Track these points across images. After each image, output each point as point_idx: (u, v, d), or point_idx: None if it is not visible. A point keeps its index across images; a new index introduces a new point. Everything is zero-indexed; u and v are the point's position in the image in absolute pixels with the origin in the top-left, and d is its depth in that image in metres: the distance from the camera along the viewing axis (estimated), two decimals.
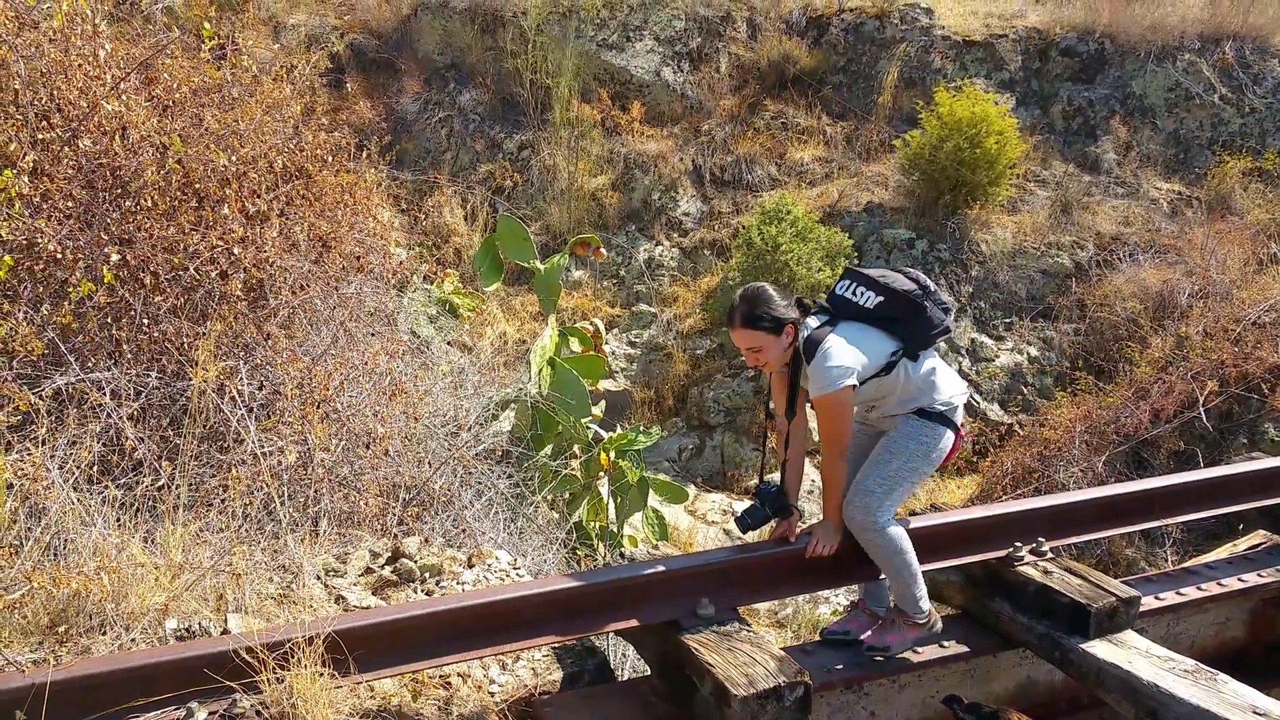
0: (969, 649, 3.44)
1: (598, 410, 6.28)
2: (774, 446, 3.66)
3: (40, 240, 4.37)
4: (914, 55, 12.38)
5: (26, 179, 4.53)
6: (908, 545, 3.24)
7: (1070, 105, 12.18)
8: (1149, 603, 3.67)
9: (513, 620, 2.95)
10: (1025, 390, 9.51)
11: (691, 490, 8.22)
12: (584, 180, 11.34)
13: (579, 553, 5.52)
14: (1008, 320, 9.99)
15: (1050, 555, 3.57)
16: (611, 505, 5.94)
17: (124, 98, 5.06)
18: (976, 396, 9.43)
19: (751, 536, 3.53)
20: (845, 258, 9.51)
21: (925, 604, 3.31)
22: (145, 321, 4.46)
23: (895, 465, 3.19)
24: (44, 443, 3.79)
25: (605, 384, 8.30)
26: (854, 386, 3.07)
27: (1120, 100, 12.03)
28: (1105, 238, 10.43)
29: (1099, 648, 3.17)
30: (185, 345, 4.42)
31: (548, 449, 5.94)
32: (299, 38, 11.53)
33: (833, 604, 6.40)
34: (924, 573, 3.60)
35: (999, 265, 10.22)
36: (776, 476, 3.49)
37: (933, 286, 3.31)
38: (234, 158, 5.12)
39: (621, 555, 5.72)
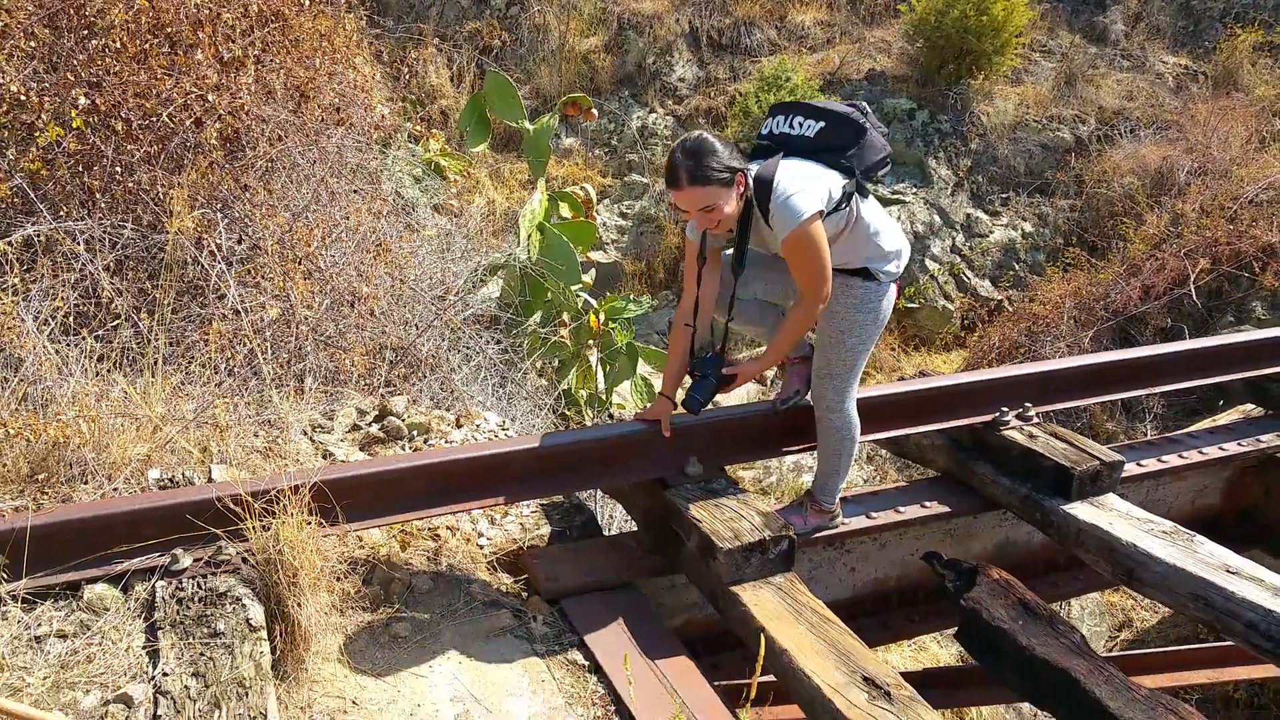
0: (950, 510, 3.48)
1: (588, 278, 6.19)
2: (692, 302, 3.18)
3: (3, 80, 4.16)
4: None
5: None
6: (857, 434, 3.19)
7: None
8: (1130, 469, 3.70)
9: (501, 476, 2.94)
10: (1017, 266, 9.45)
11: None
12: (575, 41, 10.89)
13: (568, 418, 5.53)
14: (1004, 195, 9.83)
15: (1036, 420, 3.57)
16: (600, 373, 5.92)
17: None
18: (968, 272, 9.37)
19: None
20: None
21: (838, 496, 3.31)
22: (118, 170, 4.29)
23: (851, 342, 3.02)
24: (16, 292, 3.69)
25: (595, 254, 8.19)
26: (822, 214, 2.74)
27: None
28: (1108, 112, 10.17)
29: (1080, 509, 3.21)
30: (161, 195, 4.26)
31: (537, 316, 5.88)
32: None
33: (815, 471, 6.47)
34: (910, 436, 3.62)
35: (999, 138, 9.98)
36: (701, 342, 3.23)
37: (869, 112, 2.98)
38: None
39: (610, 418, 5.73)
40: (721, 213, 2.72)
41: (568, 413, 5.58)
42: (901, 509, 3.41)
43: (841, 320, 3.01)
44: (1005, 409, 3.53)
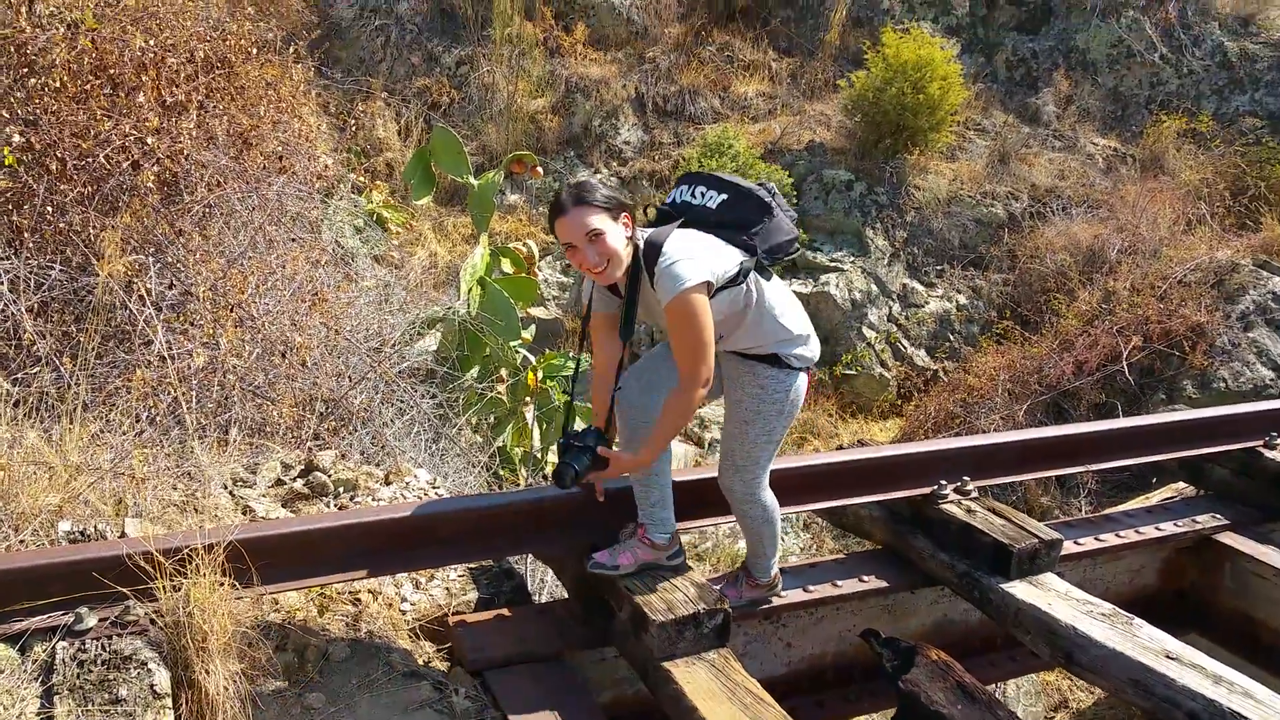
0: (888, 584, 3.47)
1: (527, 334, 6.15)
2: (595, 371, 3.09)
3: None
4: None
5: None
6: (778, 515, 3.06)
7: (1014, 55, 12.20)
8: (1068, 547, 3.73)
9: (427, 538, 2.85)
10: (953, 338, 9.65)
11: None
12: (523, 101, 11.00)
13: (502, 476, 5.43)
14: (939, 267, 10.08)
15: (975, 495, 3.59)
16: (537, 431, 5.85)
17: None
18: (904, 342, 9.54)
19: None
20: (785, 196, 9.44)
21: (775, 568, 3.21)
22: (49, 210, 4.17)
23: (754, 433, 2.84)
24: None
25: (536, 310, 8.15)
26: (709, 287, 2.59)
27: (1064, 53, 12.09)
28: (1040, 190, 10.55)
29: (1019, 588, 3.21)
30: (92, 238, 4.14)
31: (474, 371, 5.80)
32: None
33: None
34: (849, 506, 3.61)
35: (934, 212, 10.28)
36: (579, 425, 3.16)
37: (777, 193, 2.89)
38: (152, 42, 4.77)
39: (545, 479, 5.64)
40: (608, 246, 2.56)
41: (502, 471, 5.48)
42: (839, 583, 3.39)
43: (745, 409, 2.83)
44: (944, 482, 3.55)
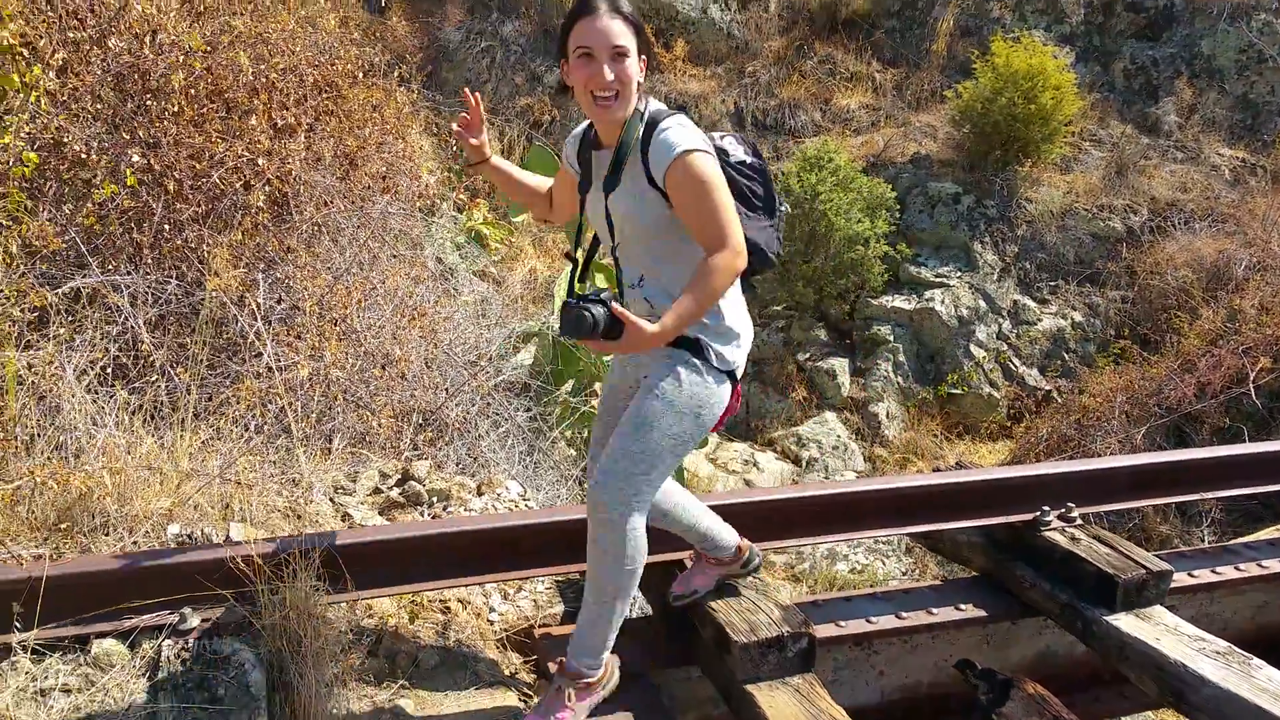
0: (986, 613, 3.33)
1: None
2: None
3: (66, 140, 4.30)
4: (971, 3, 11.92)
5: (55, 77, 4.45)
6: (640, 566, 2.38)
7: (1133, 63, 11.69)
8: (1181, 579, 3.52)
9: (515, 549, 2.88)
10: (1066, 356, 9.27)
11: (713, 438, 8.13)
12: None
13: None
14: (1053, 283, 9.70)
15: (1079, 522, 3.43)
16: None
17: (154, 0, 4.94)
18: (1015, 360, 9.21)
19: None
20: (887, 210, 9.25)
21: (607, 654, 2.49)
22: (167, 228, 4.40)
23: (655, 435, 2.29)
24: (61, 341, 3.76)
25: None
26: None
27: (1187, 60, 11.52)
28: (1161, 203, 10.06)
29: (1125, 621, 3.04)
30: (206, 254, 4.35)
31: (568, 385, 5.85)
32: None
33: (851, 561, 6.31)
34: (945, 532, 3.48)
35: (1047, 226, 9.90)
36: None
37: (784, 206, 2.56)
38: (264, 67, 5.00)
39: None
40: (628, 71, 2.17)
41: None
42: (935, 610, 3.26)
43: (654, 400, 2.30)
44: (1047, 508, 3.39)
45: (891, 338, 8.93)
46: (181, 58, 4.78)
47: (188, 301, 4.33)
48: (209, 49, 4.71)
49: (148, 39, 4.84)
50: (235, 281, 4.11)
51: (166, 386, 3.85)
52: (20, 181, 4.09)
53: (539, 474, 4.99)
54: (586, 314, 2.09)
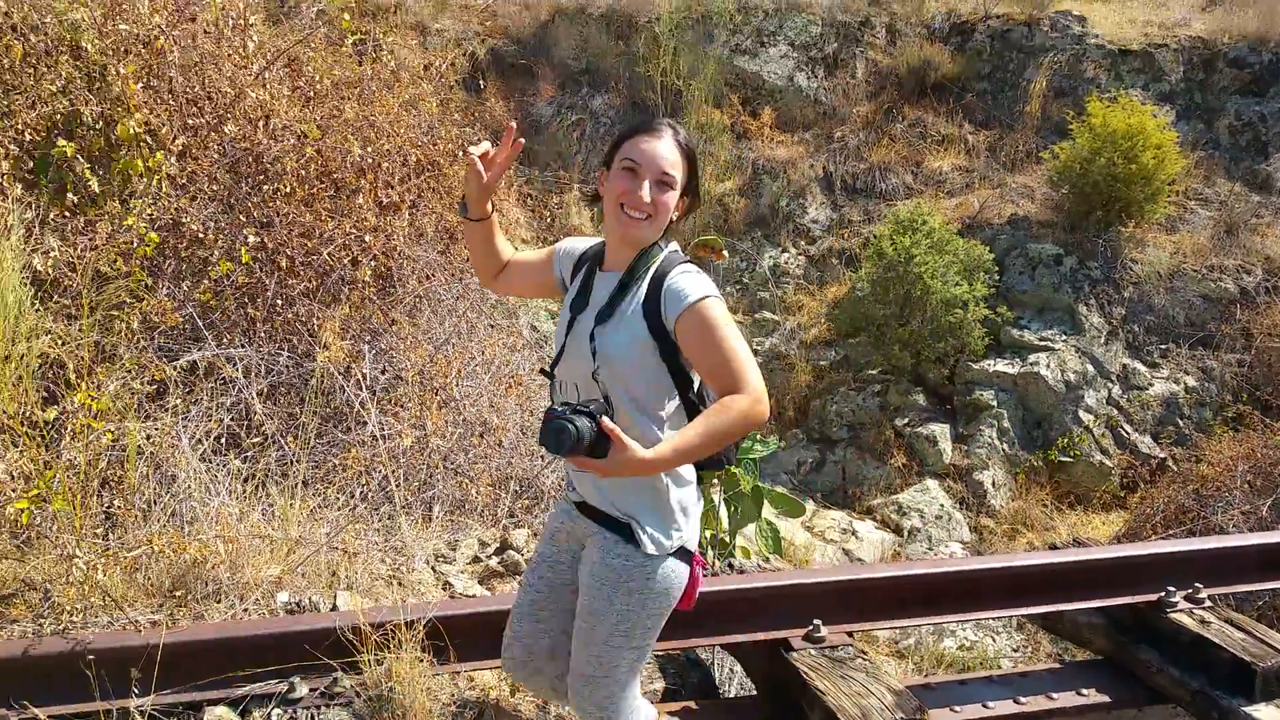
0: (1110, 699, 3.14)
1: None
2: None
3: (185, 220, 4.54)
4: (1065, 64, 11.76)
5: (175, 161, 4.73)
6: None
7: (1238, 120, 11.31)
8: None
9: None
10: (1181, 423, 8.84)
11: (810, 506, 7.97)
12: (710, 185, 11.22)
13: None
14: (1163, 346, 9.31)
15: (1208, 604, 3.22)
16: (724, 513, 5.77)
17: (268, 87, 5.23)
18: (1127, 427, 8.82)
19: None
20: (985, 272, 9.06)
21: None
22: (279, 302, 4.58)
23: (613, 642, 2.16)
24: (177, 412, 3.92)
25: None
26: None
27: None
28: (1276, 262, 9.61)
29: (1266, 713, 2.83)
30: (315, 327, 4.51)
31: None
32: (443, 42, 11.84)
33: (959, 637, 6.05)
34: (1064, 613, 3.32)
35: (1155, 287, 9.55)
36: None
37: None
38: (370, 149, 5.22)
39: (731, 566, 5.54)
40: (666, 202, 2.09)
41: None
42: (1055, 695, 3.09)
43: (595, 601, 2.16)
44: (1172, 588, 3.20)
45: (995, 403, 8.67)
46: (294, 142, 5.03)
47: (297, 372, 4.48)
48: (320, 133, 4.94)
49: (261, 124, 5.12)
50: (342, 353, 4.24)
51: (277, 455, 3.98)
52: (142, 260, 4.33)
53: None
54: (570, 426, 1.87)
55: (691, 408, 2.13)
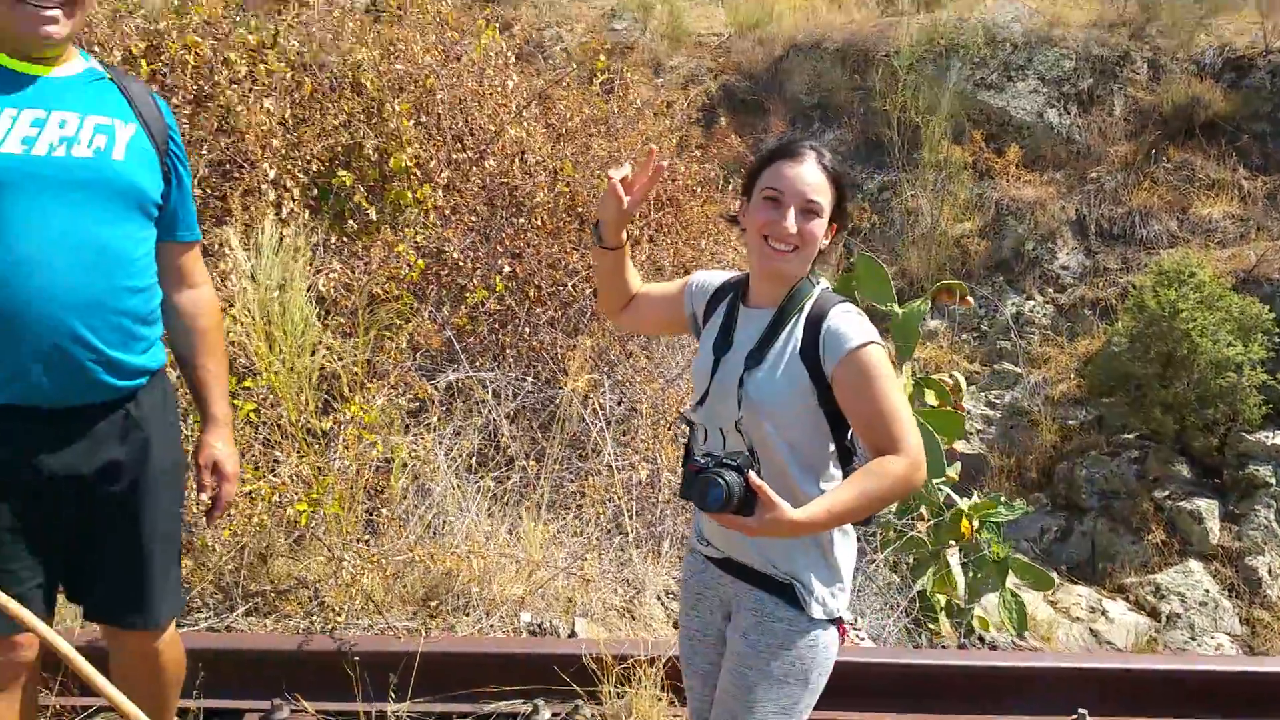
0: None
1: (952, 472, 5.81)
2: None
3: (447, 249, 4.84)
4: None
5: (442, 194, 5.06)
6: None
7: None
8: None
9: (854, 685, 2.70)
10: None
11: (1054, 578, 7.38)
12: (948, 225, 10.78)
13: (922, 624, 5.10)
14: None
15: None
16: (961, 580, 5.45)
17: (524, 125, 5.51)
18: None
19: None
20: (1264, 333, 8.13)
21: None
22: (526, 329, 4.77)
23: (762, 710, 1.97)
24: (433, 429, 4.15)
25: (958, 444, 7.73)
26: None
27: None
28: None
29: None
30: (559, 355, 4.66)
31: (892, 506, 5.59)
32: (677, 78, 12.13)
33: None
34: None
35: None
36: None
37: None
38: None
39: (981, 639, 5.22)
40: (813, 231, 1.92)
41: (923, 618, 5.15)
42: None
43: (746, 671, 1.98)
44: None
45: (1274, 480, 7.72)
46: (546, 176, 5.26)
47: (540, 397, 4.64)
48: (575, 170, 5.13)
49: (517, 159, 5.39)
50: (584, 384, 4.35)
51: (520, 477, 4.12)
52: (408, 284, 4.64)
53: (862, 599, 4.75)
54: (719, 480, 1.75)
55: (845, 455, 2.00)
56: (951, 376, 6.69)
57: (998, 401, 9.35)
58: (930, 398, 6.33)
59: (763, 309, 2.00)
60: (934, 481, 5.53)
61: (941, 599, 5.34)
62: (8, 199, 1.75)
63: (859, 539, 2.09)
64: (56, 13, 1.78)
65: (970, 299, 6.54)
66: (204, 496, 2.08)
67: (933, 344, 9.95)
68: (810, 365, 1.92)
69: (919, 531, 5.42)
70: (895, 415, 1.86)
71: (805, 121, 12.19)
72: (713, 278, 2.18)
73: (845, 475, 1.97)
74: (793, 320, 1.95)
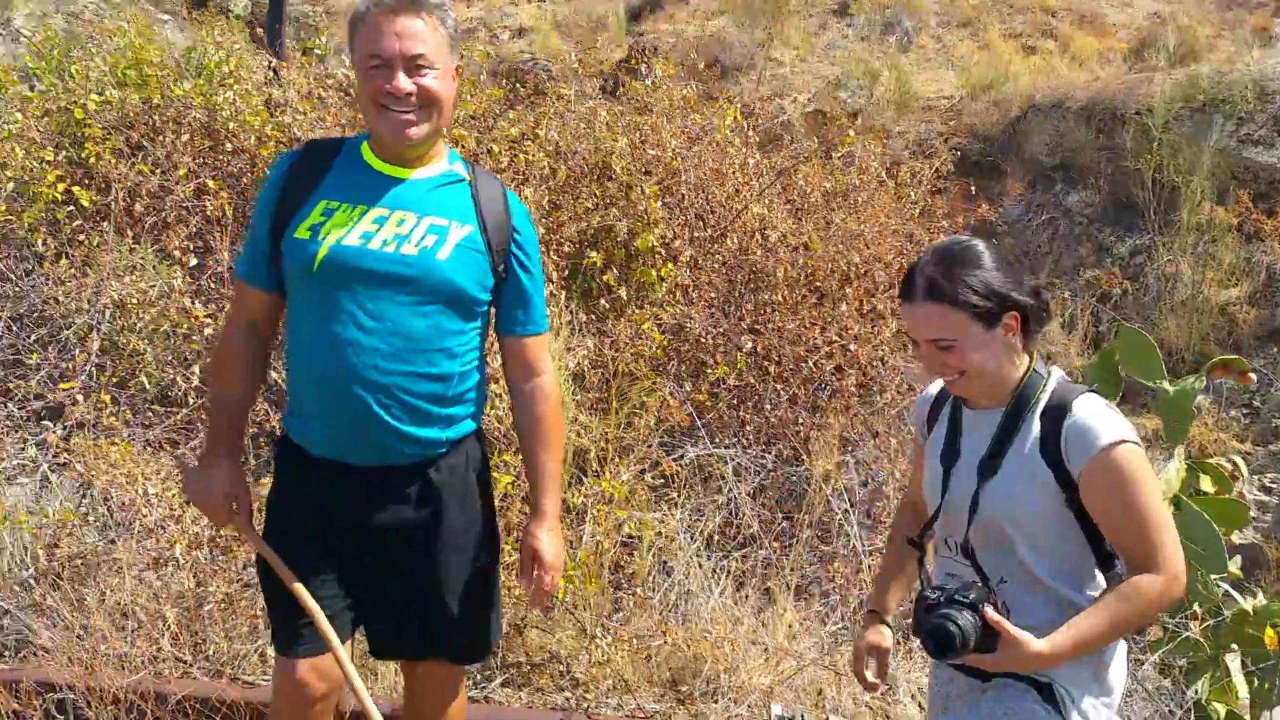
0: None
1: (1233, 566, 5.22)
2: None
3: (688, 325, 4.94)
4: None
5: (687, 271, 5.19)
6: None
7: None
8: None
9: None
10: None
11: None
12: (1211, 291, 9.86)
13: None
14: None
15: None
16: (1245, 689, 4.84)
17: (765, 201, 5.58)
18: None
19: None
20: None
21: None
22: (767, 406, 4.77)
23: None
24: (675, 505, 4.20)
25: (1234, 535, 6.97)
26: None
27: None
28: None
29: None
30: (800, 433, 4.61)
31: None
32: (905, 143, 11.92)
33: None
34: None
35: None
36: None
37: None
38: (858, 259, 5.33)
39: None
40: (964, 355, 1.77)
41: None
42: None
43: None
44: None
45: None
46: (788, 252, 5.28)
47: (780, 475, 4.60)
48: (820, 245, 5.14)
49: (757, 235, 5.45)
50: (830, 463, 4.28)
51: (763, 558, 4.08)
52: (650, 361, 4.77)
53: (1129, 703, 4.32)
54: (951, 627, 1.66)
55: (1105, 561, 1.83)
56: (1230, 460, 6.05)
57: (1274, 485, 8.37)
58: (1206, 484, 5.74)
59: (990, 410, 1.86)
60: (1213, 577, 4.98)
61: (1220, 709, 4.76)
62: (341, 284, 2.00)
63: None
64: (413, 116, 1.98)
65: (1252, 375, 5.92)
66: (527, 584, 2.20)
67: (1197, 420, 9.07)
68: (1053, 464, 1.77)
69: (1194, 632, 4.88)
70: (1153, 524, 1.71)
71: (1046, 182, 11.59)
72: (930, 388, 2.09)
73: (1109, 581, 1.83)
74: (1028, 416, 1.81)
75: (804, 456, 4.42)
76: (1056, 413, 1.79)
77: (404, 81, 1.94)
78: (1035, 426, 1.80)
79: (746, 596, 3.84)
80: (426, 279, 2.02)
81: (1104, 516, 1.76)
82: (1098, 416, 1.76)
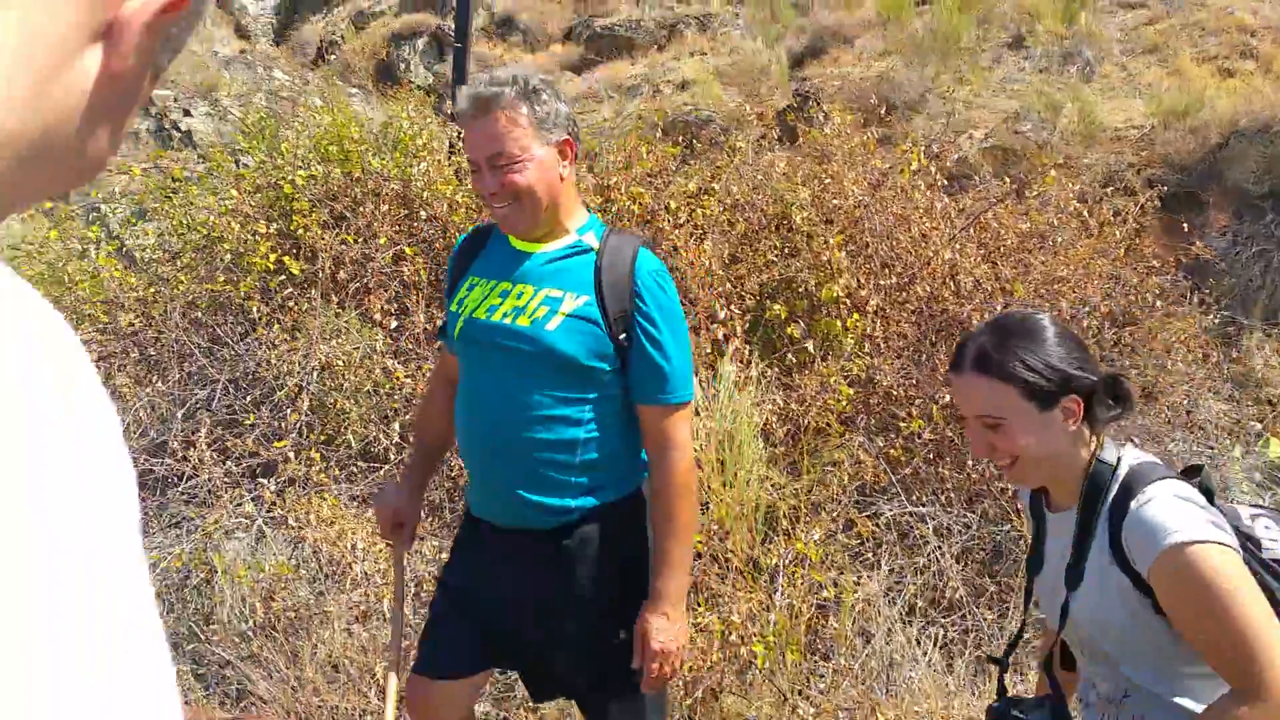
0: None
1: None
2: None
3: (877, 376, 4.75)
4: None
5: (872, 321, 5.01)
6: None
7: None
8: None
9: None
10: None
11: None
12: None
13: None
14: None
15: None
16: None
17: (956, 245, 5.33)
18: None
19: None
20: None
21: None
22: (969, 462, 4.50)
23: None
24: (871, 566, 4.00)
25: None
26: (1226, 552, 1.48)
27: None
28: None
29: None
30: (1007, 490, 4.32)
31: None
32: (1094, 177, 11.26)
33: None
34: None
35: None
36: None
37: None
38: (1064, 304, 5.01)
39: None
40: (1014, 437, 1.60)
41: None
42: None
43: None
44: None
45: None
46: (982, 298, 5.02)
47: (985, 533, 4.32)
48: (1023, 290, 4.87)
49: (948, 281, 5.21)
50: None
51: (971, 625, 3.82)
52: (838, 415, 4.59)
53: None
54: None
55: None
56: None
57: None
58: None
59: (1067, 510, 1.69)
60: None
61: None
62: (474, 353, 2.15)
63: None
64: (507, 211, 2.07)
65: None
66: (636, 664, 2.12)
67: None
68: (1124, 567, 1.57)
69: None
70: (1244, 639, 1.43)
71: (1254, 213, 10.66)
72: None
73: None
74: (1100, 515, 1.61)
75: (1013, 516, 4.12)
76: (1120, 507, 1.59)
77: (489, 182, 2.05)
78: (1105, 525, 1.61)
79: (953, 667, 3.58)
80: (536, 348, 2.06)
81: (1185, 628, 1.53)
82: (1164, 510, 1.53)
